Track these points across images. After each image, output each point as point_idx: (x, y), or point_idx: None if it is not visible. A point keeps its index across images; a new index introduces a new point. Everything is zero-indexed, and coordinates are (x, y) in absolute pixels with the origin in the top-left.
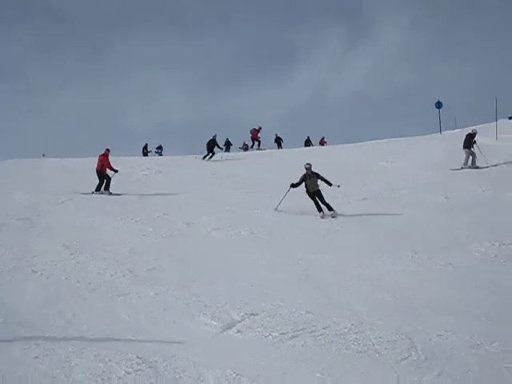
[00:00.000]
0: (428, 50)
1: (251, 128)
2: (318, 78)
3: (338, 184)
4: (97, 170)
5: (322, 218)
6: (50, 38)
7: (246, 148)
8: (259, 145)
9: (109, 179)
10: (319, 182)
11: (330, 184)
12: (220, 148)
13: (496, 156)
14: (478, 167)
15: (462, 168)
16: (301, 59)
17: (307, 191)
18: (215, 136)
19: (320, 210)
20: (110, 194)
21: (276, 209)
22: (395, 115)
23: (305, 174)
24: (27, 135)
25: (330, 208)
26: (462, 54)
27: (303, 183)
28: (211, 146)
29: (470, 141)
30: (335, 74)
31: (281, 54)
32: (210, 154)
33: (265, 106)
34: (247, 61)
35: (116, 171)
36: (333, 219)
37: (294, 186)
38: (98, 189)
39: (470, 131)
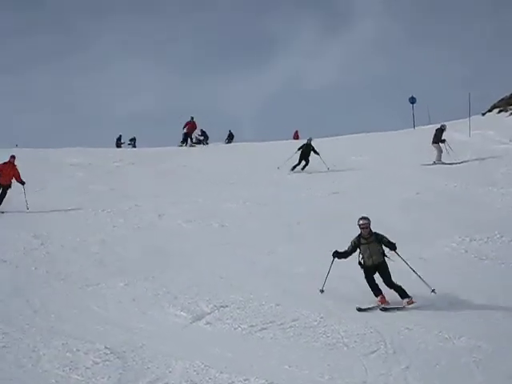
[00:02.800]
0: (404, 41)
1: (188, 120)
2: (293, 68)
3: (433, 289)
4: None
5: (384, 308)
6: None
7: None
8: (192, 140)
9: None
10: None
11: (395, 248)
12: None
13: (468, 152)
14: (443, 163)
15: (434, 163)
16: (276, 48)
17: (363, 263)
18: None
19: (379, 293)
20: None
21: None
22: (371, 108)
23: (358, 237)
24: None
25: (403, 293)
26: (438, 47)
27: (356, 251)
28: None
29: (439, 136)
30: (310, 64)
31: (256, 43)
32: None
33: (239, 97)
34: (222, 50)
35: (23, 183)
36: (300, 214)
37: (339, 255)
38: None
39: (440, 126)
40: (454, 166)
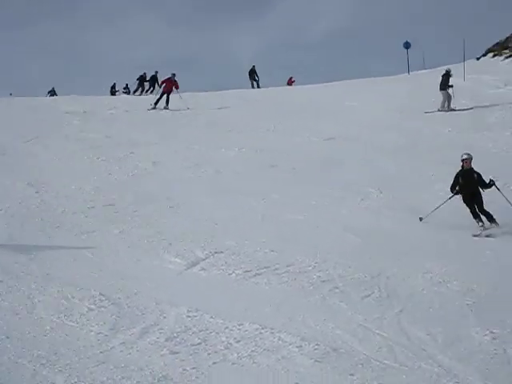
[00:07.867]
0: None
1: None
2: (295, 13)
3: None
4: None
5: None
6: None
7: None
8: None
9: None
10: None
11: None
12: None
13: (464, 97)
14: (453, 110)
15: (439, 110)
16: None
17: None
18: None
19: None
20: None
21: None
22: (366, 54)
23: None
24: None
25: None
26: None
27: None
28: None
29: (446, 82)
30: (315, 6)
31: None
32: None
33: (239, 41)
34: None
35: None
36: (295, 160)
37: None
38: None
39: (445, 71)
40: (448, 112)
